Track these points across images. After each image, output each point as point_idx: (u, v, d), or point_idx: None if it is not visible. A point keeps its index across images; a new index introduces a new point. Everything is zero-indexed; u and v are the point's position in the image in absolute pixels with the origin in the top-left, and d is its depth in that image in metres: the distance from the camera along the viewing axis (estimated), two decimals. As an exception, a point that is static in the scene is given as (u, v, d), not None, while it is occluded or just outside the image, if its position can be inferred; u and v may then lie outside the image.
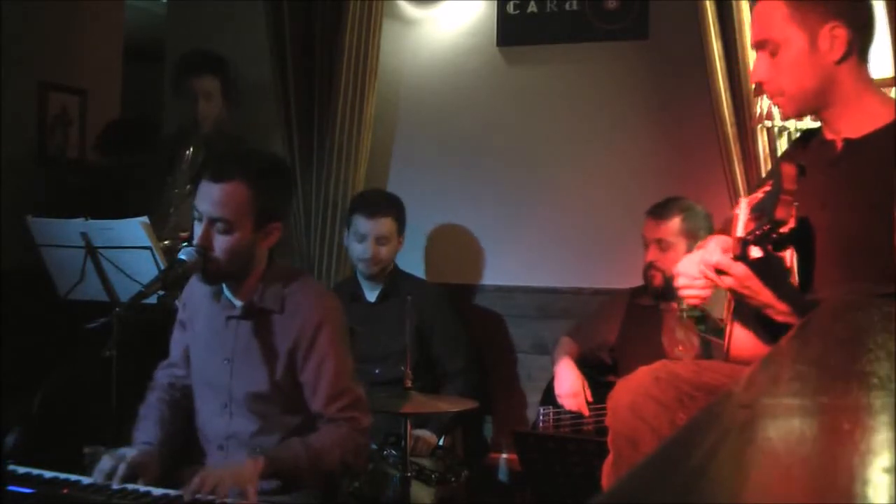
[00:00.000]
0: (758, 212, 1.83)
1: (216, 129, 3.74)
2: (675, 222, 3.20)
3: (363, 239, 3.46)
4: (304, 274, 2.44)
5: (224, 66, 3.83)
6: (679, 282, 2.02)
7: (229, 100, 3.81)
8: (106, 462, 2.09)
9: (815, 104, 1.98)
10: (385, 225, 3.47)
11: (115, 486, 2.02)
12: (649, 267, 3.26)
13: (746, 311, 1.95)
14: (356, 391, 2.28)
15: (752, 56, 2.74)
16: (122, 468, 2.06)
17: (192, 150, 3.62)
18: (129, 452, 2.14)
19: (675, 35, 3.66)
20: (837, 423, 0.69)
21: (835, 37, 1.89)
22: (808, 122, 2.71)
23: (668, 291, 3.12)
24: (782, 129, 3.19)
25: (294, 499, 2.25)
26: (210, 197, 2.18)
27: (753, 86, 3.03)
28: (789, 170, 1.68)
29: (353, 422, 2.24)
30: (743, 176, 3.27)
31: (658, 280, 3.22)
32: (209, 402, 2.34)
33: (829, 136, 2.01)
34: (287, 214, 2.44)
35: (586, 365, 3.34)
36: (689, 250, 2.82)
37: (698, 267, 1.92)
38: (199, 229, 2.19)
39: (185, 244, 2.28)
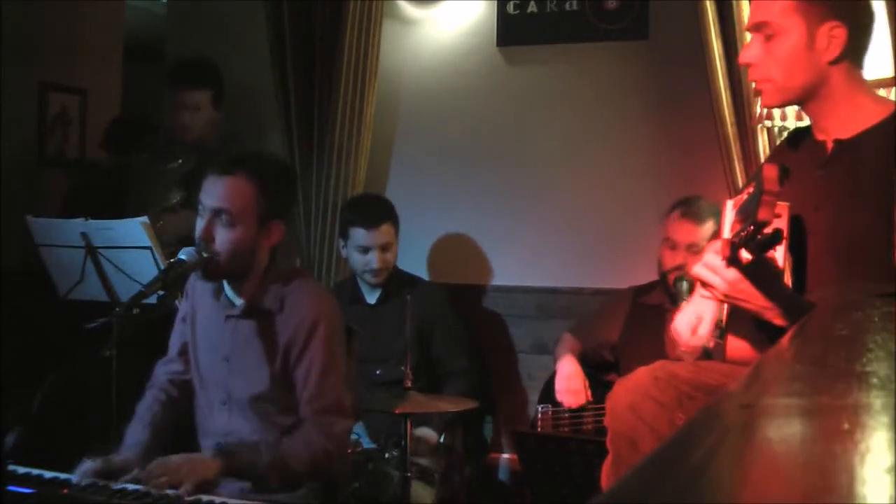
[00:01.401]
0: (742, 214, 1.82)
1: (201, 139, 3.71)
2: (710, 226, 3.10)
3: (367, 250, 3.43)
4: (304, 274, 2.45)
5: (216, 77, 3.77)
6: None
7: (218, 109, 3.77)
8: (87, 463, 2.09)
9: (802, 98, 1.98)
10: (387, 232, 3.45)
11: (115, 485, 2.02)
12: (677, 270, 3.10)
13: (742, 314, 1.94)
14: (338, 394, 2.26)
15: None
16: (102, 466, 2.07)
17: (180, 161, 3.61)
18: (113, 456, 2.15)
19: (675, 35, 3.66)
20: (837, 423, 0.69)
21: (833, 37, 1.89)
22: (809, 122, 2.70)
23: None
24: (782, 129, 3.19)
25: (294, 499, 2.25)
26: (215, 190, 2.20)
27: (753, 84, 3.02)
28: (771, 171, 1.67)
29: (327, 426, 2.22)
30: (743, 176, 3.27)
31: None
32: (208, 399, 2.35)
33: (819, 136, 2.00)
34: (289, 216, 2.45)
35: (588, 364, 3.32)
36: None
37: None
38: (201, 224, 2.20)
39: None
